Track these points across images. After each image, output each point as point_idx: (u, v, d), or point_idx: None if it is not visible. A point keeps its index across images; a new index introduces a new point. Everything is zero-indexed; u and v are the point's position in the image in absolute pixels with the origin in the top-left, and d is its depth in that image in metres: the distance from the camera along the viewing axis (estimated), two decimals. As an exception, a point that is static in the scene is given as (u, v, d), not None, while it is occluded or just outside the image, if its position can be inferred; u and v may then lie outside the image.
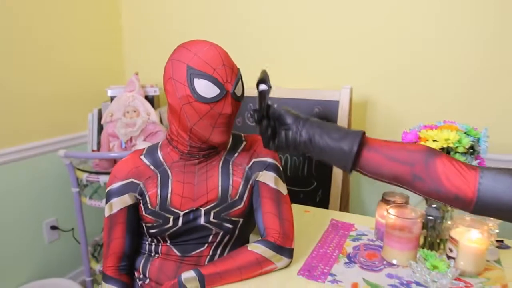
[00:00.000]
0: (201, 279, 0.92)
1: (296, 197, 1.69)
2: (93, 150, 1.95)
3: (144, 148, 1.07)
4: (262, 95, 0.86)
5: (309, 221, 1.29)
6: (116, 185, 1.02)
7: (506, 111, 1.53)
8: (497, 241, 1.14)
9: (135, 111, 1.83)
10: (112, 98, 1.89)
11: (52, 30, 1.89)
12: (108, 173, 1.73)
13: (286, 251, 0.99)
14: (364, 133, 0.79)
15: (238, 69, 0.94)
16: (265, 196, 1.03)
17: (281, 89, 1.77)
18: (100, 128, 1.93)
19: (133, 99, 1.82)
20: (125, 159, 1.05)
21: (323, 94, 1.70)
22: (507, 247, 1.15)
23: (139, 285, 1.08)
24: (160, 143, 1.07)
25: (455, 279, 0.96)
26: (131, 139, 1.82)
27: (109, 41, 2.22)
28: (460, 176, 0.72)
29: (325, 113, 1.70)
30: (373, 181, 0.85)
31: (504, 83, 1.51)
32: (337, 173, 1.64)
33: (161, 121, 1.91)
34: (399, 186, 0.79)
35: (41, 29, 1.84)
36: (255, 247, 0.97)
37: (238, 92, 0.93)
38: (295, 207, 1.33)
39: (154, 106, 1.91)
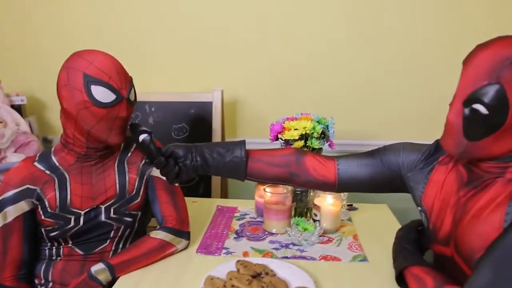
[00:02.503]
0: (111, 269, 1.00)
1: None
2: (-51, 168, 1.77)
3: (36, 155, 1.09)
4: (147, 143, 0.93)
5: (198, 210, 1.43)
6: (10, 193, 1.03)
7: (349, 103, 1.89)
8: (348, 205, 1.45)
9: (1, 122, 1.73)
10: (-29, 110, 1.75)
11: None
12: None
13: (184, 234, 1.13)
14: (244, 141, 0.96)
15: (131, 77, 1.04)
16: (159, 188, 1.15)
17: (158, 93, 1.87)
18: (-42, 143, 1.76)
19: (-2, 109, 1.72)
20: (17, 166, 1.06)
21: (197, 96, 1.86)
22: (355, 208, 1.47)
23: (41, 290, 1.10)
24: (53, 148, 1.10)
25: (320, 236, 1.22)
26: (-1, 151, 1.71)
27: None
28: (323, 166, 0.96)
29: (200, 114, 1.86)
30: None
31: (347, 80, 1.87)
32: (216, 167, 1.82)
33: (31, 131, 1.83)
34: (281, 184, 0.99)
35: None
36: (157, 234, 1.09)
37: (132, 97, 1.03)
38: (184, 199, 1.47)
39: (23, 116, 1.83)
